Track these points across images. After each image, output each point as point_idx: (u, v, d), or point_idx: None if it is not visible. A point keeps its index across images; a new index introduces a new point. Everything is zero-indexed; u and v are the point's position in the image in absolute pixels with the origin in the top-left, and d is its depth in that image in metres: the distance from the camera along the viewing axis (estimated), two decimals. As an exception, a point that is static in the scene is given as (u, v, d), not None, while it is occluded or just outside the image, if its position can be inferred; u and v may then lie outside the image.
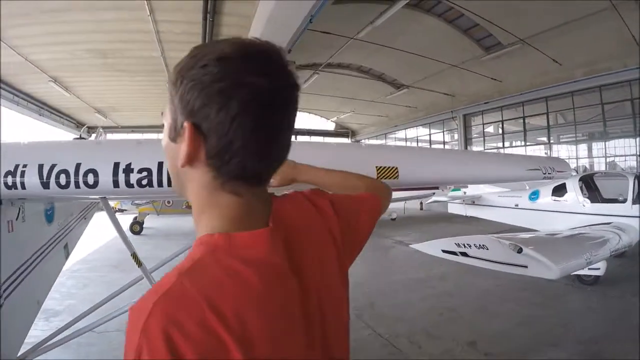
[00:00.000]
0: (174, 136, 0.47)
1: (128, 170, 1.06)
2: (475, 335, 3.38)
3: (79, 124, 15.94)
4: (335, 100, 16.29)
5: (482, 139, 14.35)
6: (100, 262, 6.57)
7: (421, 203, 13.82)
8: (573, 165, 10.54)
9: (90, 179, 1.07)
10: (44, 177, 1.09)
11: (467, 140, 14.51)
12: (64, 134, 14.92)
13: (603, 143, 10.49)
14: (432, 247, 3.82)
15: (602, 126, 10.21)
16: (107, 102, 13.14)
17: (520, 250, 2.97)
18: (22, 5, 5.92)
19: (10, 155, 1.14)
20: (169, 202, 9.19)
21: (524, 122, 12.43)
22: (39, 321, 3.35)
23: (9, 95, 10.47)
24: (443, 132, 16.32)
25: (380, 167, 1.14)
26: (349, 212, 0.65)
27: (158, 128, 13.79)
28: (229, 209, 0.48)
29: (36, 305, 1.97)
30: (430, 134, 17.07)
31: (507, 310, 4.01)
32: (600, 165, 10.53)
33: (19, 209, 1.60)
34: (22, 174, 1.09)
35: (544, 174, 2.06)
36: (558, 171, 2.20)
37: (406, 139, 18.52)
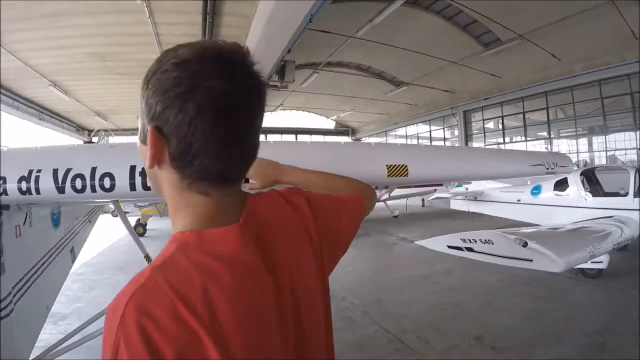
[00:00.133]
0: (143, 139, 0.48)
1: (144, 173, 1.07)
2: (481, 330, 3.40)
3: (79, 128, 15.96)
4: (335, 99, 16.28)
5: (482, 135, 14.35)
6: (104, 264, 6.59)
7: (423, 200, 13.83)
8: (574, 159, 10.55)
9: (107, 182, 1.08)
10: (59, 182, 1.10)
11: (467, 137, 14.52)
12: (65, 138, 14.95)
13: (603, 137, 10.50)
14: (438, 243, 3.84)
15: (602, 120, 10.22)
16: (106, 105, 13.13)
17: (525, 244, 2.99)
18: (20, 9, 5.92)
19: (23, 160, 1.15)
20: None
21: (524, 117, 12.43)
22: (47, 325, 3.36)
23: (9, 100, 10.48)
24: (443, 128, 16.32)
25: (391, 165, 1.16)
26: (327, 212, 0.64)
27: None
28: (200, 208, 0.49)
29: (45, 310, 1.97)
30: (430, 131, 17.08)
31: (512, 305, 4.03)
32: (600, 159, 10.54)
33: (26, 213, 1.60)
34: (37, 179, 1.09)
35: (547, 169, 2.07)
36: (561, 166, 2.22)
37: (407, 136, 18.53)
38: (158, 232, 10.23)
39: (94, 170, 1.08)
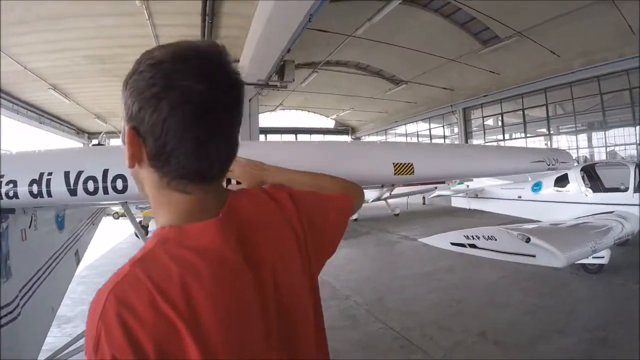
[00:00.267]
0: (123, 139, 0.50)
1: None
2: (485, 326, 3.42)
3: (79, 131, 15.97)
4: (334, 98, 16.31)
5: (482, 132, 14.38)
6: (107, 267, 6.61)
7: (424, 198, 13.84)
8: (574, 155, 10.58)
9: (119, 184, 1.08)
10: (71, 184, 1.10)
11: (467, 134, 14.56)
12: (65, 141, 14.97)
13: (603, 132, 10.54)
14: (441, 240, 3.86)
15: (601, 116, 10.26)
16: (106, 108, 13.12)
17: (528, 240, 3.01)
18: (19, 12, 5.92)
19: (34, 163, 1.15)
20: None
21: (523, 114, 12.46)
22: (52, 328, 3.37)
23: (9, 104, 10.48)
24: (443, 126, 16.36)
25: (397, 163, 1.18)
26: (313, 209, 0.64)
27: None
28: (180, 206, 0.50)
29: (51, 313, 1.96)
30: (430, 129, 17.10)
31: (514, 301, 4.05)
32: (600, 155, 10.58)
33: (32, 217, 1.59)
34: (48, 182, 1.09)
35: (548, 165, 2.09)
36: (561, 162, 2.24)
37: (406, 135, 18.55)
38: (160, 233, 10.24)
39: (106, 172, 1.09)
